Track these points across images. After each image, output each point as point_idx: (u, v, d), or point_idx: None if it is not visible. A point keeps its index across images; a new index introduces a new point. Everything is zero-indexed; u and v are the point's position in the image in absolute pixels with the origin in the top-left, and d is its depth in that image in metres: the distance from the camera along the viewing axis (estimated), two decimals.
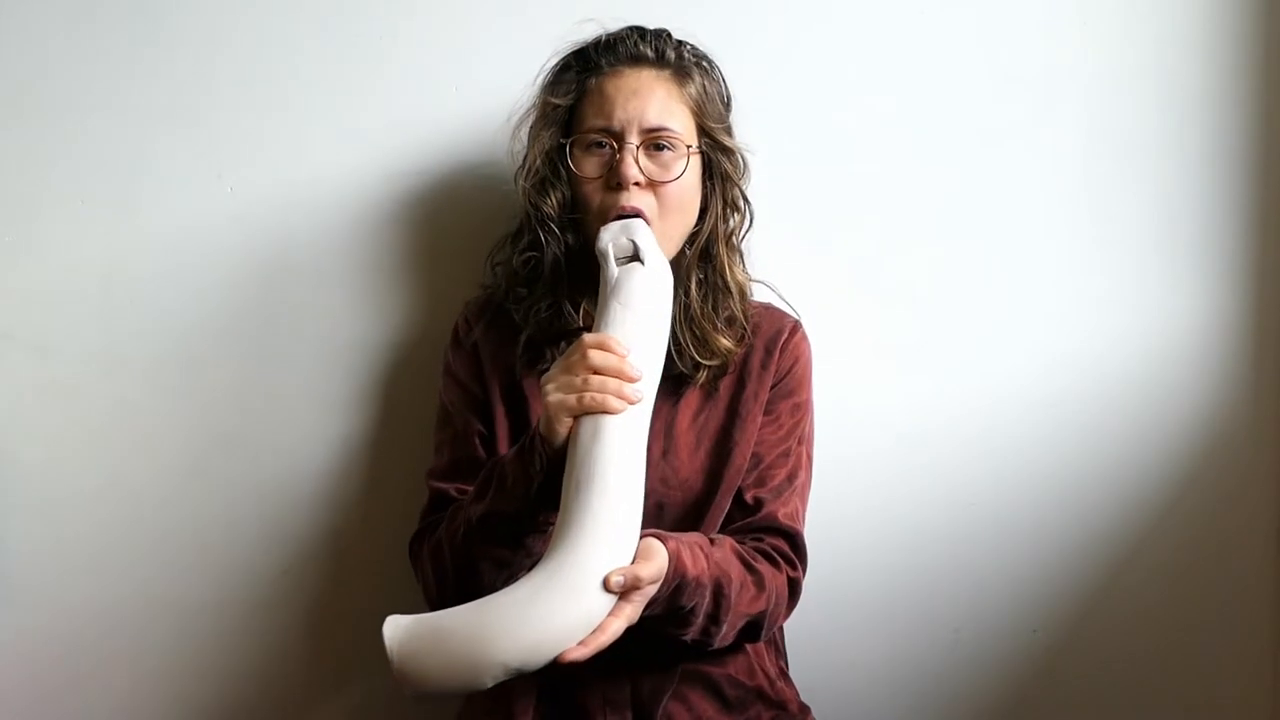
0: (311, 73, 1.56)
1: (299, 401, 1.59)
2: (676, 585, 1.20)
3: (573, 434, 1.18)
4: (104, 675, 1.60)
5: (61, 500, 1.59)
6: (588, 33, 1.39)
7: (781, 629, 1.46)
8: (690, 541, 1.24)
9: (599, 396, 1.17)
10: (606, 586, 1.12)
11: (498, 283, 1.44)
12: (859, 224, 1.61)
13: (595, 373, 1.18)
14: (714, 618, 1.26)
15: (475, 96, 1.54)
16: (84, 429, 1.58)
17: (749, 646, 1.38)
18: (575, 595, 1.11)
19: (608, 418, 1.17)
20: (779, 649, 1.46)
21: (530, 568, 1.19)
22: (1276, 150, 1.60)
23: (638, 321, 1.23)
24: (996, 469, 1.62)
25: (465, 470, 1.37)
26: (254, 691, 1.61)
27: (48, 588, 1.59)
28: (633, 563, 1.15)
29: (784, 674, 1.45)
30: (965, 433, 1.62)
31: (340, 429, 1.59)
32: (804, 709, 1.43)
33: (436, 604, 1.33)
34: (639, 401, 1.19)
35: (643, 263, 1.25)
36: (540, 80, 1.40)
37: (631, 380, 1.19)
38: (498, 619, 1.11)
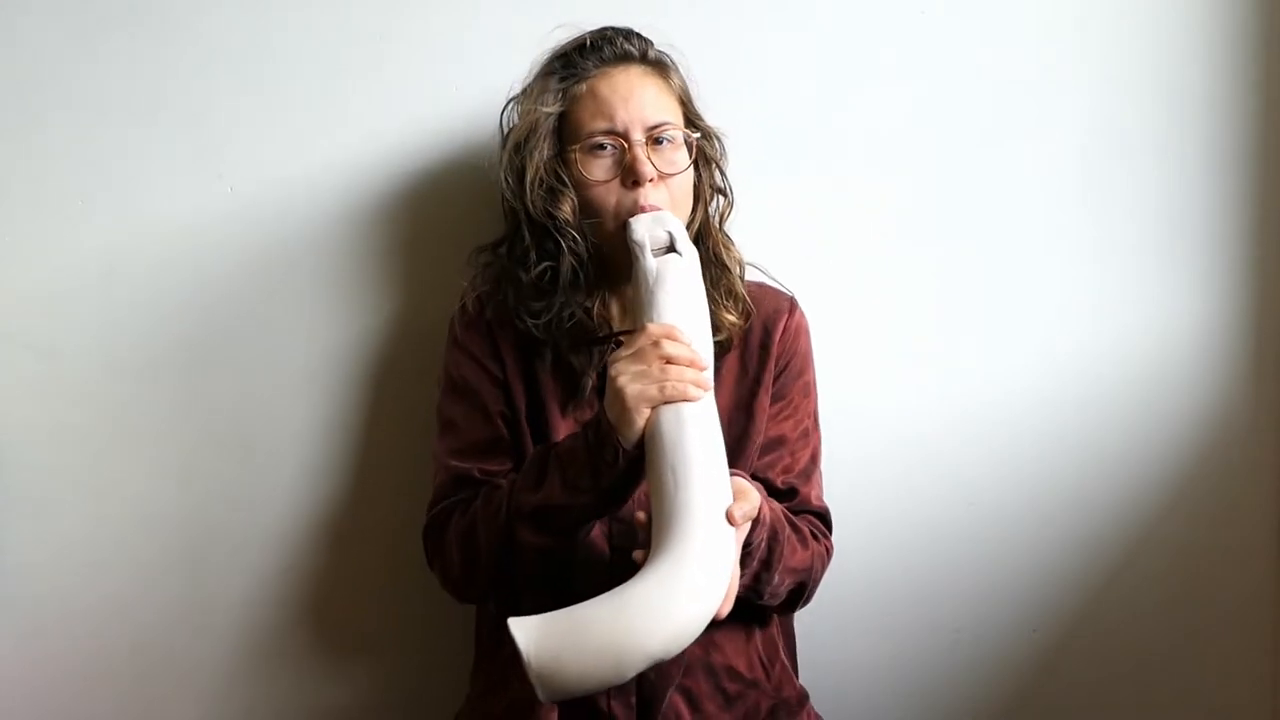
0: (311, 72, 1.56)
1: (300, 401, 1.59)
2: (755, 518, 1.23)
3: (652, 424, 1.19)
4: (103, 676, 1.60)
5: (61, 500, 1.58)
6: (559, 38, 1.39)
7: (791, 620, 1.48)
8: (755, 483, 1.28)
9: (680, 385, 1.18)
10: (730, 520, 1.16)
11: (501, 293, 1.41)
12: (859, 224, 1.61)
13: (669, 362, 1.19)
14: (766, 563, 1.28)
15: (475, 96, 1.54)
16: (84, 429, 1.58)
17: (752, 639, 1.39)
18: (706, 578, 1.13)
19: (688, 405, 1.18)
20: (778, 641, 1.46)
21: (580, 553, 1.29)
22: (1276, 150, 1.60)
23: (688, 310, 1.24)
24: (997, 469, 1.63)
25: (487, 449, 1.37)
26: (255, 690, 1.61)
27: (47, 588, 1.59)
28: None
29: (786, 667, 1.45)
30: (965, 432, 1.62)
31: (342, 428, 1.59)
32: (803, 699, 1.43)
33: (461, 587, 1.36)
34: (711, 387, 1.22)
35: (680, 253, 1.27)
36: (522, 92, 1.40)
37: (703, 368, 1.21)
38: (640, 613, 1.11)
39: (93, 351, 1.58)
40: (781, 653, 1.45)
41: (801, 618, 1.44)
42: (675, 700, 1.33)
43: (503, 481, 1.33)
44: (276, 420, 1.59)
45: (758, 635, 1.41)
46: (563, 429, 1.37)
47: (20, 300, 1.57)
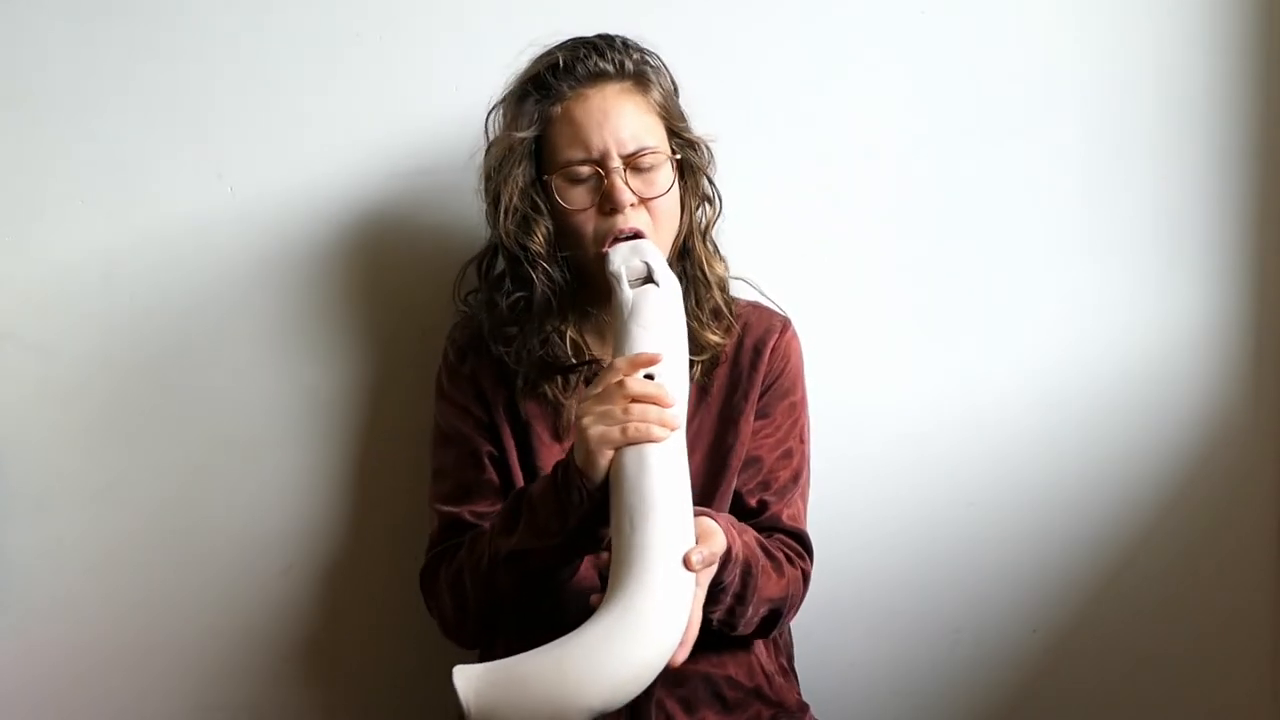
0: (312, 72, 1.56)
1: (299, 401, 1.59)
2: (723, 560, 1.19)
3: (615, 465, 1.15)
4: (104, 677, 1.60)
5: (61, 501, 1.58)
6: (532, 55, 1.37)
7: (789, 628, 1.47)
8: (727, 518, 1.25)
9: (643, 426, 1.14)
10: (688, 565, 1.11)
11: (477, 315, 1.41)
12: (858, 223, 1.61)
13: (633, 401, 1.15)
14: (740, 597, 1.25)
15: (475, 96, 1.54)
16: (84, 429, 1.58)
17: (753, 648, 1.38)
18: (655, 630, 1.10)
19: (651, 446, 1.14)
20: (779, 646, 1.46)
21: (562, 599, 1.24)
22: (1276, 150, 1.60)
23: (663, 343, 1.20)
24: (996, 469, 1.63)
25: (476, 493, 1.36)
26: (255, 692, 1.61)
27: (47, 589, 1.59)
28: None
29: (784, 671, 1.45)
30: (965, 432, 1.62)
31: (341, 428, 1.59)
32: (803, 707, 1.43)
33: (455, 633, 1.35)
34: (680, 426, 1.17)
35: (657, 284, 1.23)
36: (497, 115, 1.38)
37: (670, 404, 1.16)
38: (581, 664, 1.08)
39: (93, 351, 1.58)
40: (783, 661, 1.45)
41: (801, 619, 1.44)
42: (670, 706, 1.32)
43: (488, 525, 1.31)
44: (277, 420, 1.59)
45: (759, 644, 1.40)
46: (554, 455, 1.36)
47: (20, 300, 1.57)
